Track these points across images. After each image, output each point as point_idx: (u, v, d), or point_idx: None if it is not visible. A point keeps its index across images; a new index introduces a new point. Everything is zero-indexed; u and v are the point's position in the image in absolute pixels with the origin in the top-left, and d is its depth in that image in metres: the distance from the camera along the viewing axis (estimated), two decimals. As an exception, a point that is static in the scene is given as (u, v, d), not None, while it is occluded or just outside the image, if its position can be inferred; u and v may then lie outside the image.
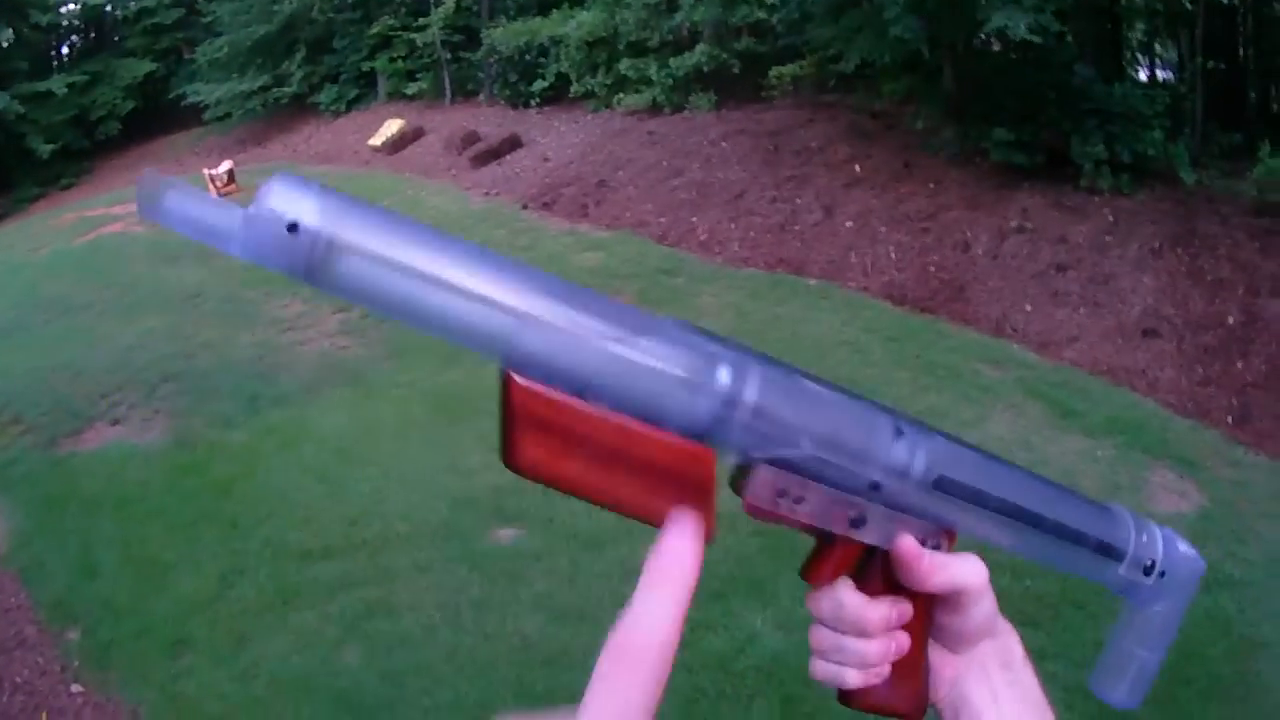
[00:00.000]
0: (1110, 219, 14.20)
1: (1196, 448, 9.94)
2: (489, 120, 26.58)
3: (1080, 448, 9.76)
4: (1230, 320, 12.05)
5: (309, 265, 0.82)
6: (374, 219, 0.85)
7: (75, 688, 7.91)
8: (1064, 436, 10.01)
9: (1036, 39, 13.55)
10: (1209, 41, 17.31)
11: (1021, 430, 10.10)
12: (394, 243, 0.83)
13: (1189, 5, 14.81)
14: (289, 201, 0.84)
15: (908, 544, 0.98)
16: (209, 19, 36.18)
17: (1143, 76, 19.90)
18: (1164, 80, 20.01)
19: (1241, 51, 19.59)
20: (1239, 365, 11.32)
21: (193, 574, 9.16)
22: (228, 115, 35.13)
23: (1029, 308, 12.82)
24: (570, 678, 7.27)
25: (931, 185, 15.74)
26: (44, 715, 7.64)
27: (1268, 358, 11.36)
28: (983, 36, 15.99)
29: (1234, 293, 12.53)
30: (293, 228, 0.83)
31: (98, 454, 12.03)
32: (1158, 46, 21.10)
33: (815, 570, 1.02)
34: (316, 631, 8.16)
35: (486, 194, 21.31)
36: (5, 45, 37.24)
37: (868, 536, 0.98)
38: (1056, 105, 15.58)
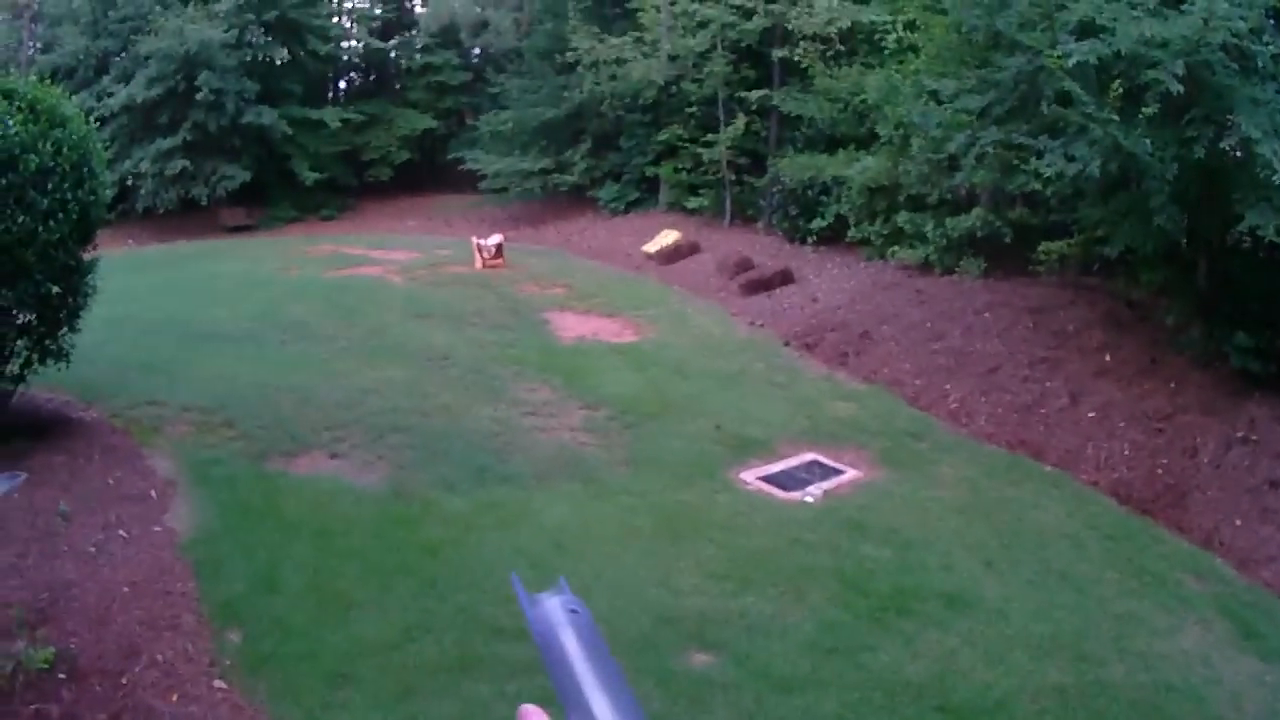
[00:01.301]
0: None
1: None
2: (764, 249, 26.86)
3: (1253, 670, 9.65)
4: None
5: None
6: None
7: (219, 684, 8.12)
8: (1241, 657, 9.86)
9: None
10: None
11: (1205, 647, 9.98)
12: None
13: None
14: None
15: None
16: (496, 90, 37.24)
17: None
18: None
19: None
20: None
21: (378, 619, 9.33)
22: (504, 190, 36.16)
23: (1239, 522, 12.56)
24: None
25: (1173, 385, 15.67)
26: (176, 697, 7.80)
27: None
28: (1237, 234, 15.76)
29: None
30: None
31: (308, 480, 12.38)
32: None
33: None
34: (487, 706, 8.04)
35: (752, 323, 21.63)
36: (279, 63, 38.27)
37: None
38: None
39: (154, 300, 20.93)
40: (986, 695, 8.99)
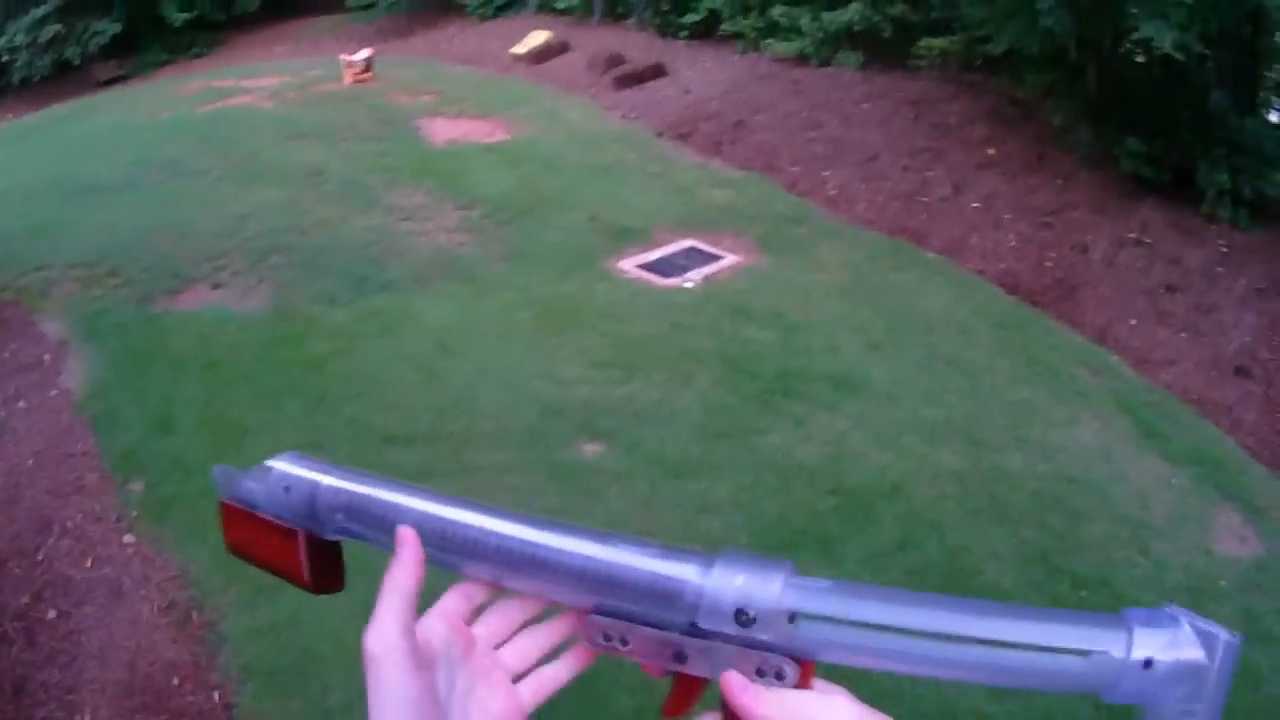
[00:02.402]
0: (1224, 249, 14.22)
1: (1267, 495, 9.82)
2: (635, 45, 26.40)
3: (1158, 471, 9.76)
4: (1323, 373, 11.97)
5: None
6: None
7: (128, 538, 8.19)
8: (1144, 456, 10.00)
9: (1179, 56, 13.70)
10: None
11: (1106, 442, 10.12)
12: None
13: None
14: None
15: (729, 677, 0.99)
16: None
17: (1274, 118, 19.86)
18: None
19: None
20: (1323, 421, 11.25)
21: (271, 442, 8.78)
22: (371, 4, 35.23)
23: (1133, 322, 12.79)
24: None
25: (1060, 181, 15.77)
26: (90, 561, 7.88)
27: (1353, 416, 11.26)
28: (1129, 44, 15.95)
29: (1333, 345, 12.40)
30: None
31: (193, 315, 12.18)
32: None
33: (669, 705, 1.08)
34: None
35: (624, 116, 21.36)
36: None
37: (695, 669, 1.03)
38: (1190, 127, 15.57)
39: (33, 166, 20.18)
40: (881, 478, 9.03)
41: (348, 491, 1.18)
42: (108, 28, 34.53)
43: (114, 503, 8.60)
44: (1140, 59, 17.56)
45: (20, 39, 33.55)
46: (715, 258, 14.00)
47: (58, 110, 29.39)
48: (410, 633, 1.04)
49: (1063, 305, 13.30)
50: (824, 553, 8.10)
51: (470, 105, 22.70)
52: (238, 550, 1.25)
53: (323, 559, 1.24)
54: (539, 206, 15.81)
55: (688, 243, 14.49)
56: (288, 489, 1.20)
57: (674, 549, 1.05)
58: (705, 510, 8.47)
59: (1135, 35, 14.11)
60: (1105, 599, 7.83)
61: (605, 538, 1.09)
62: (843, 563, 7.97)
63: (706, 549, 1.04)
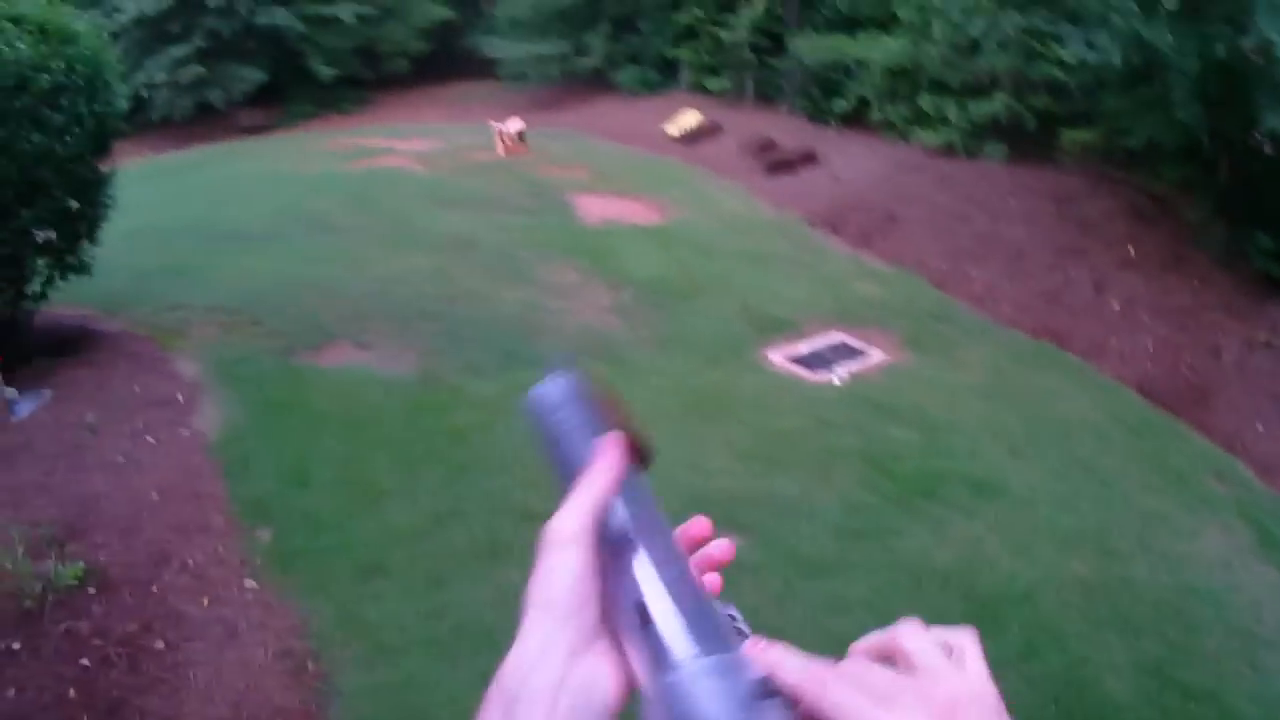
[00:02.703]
0: None
1: None
2: (786, 130, 26.60)
3: (1272, 580, 9.72)
4: None
5: None
6: None
7: (249, 583, 8.09)
8: (1262, 566, 9.94)
9: None
10: None
11: (1227, 551, 10.08)
12: None
13: None
14: None
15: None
16: None
17: None
18: None
19: None
20: None
21: (407, 507, 9.29)
22: (523, 75, 35.91)
23: (1260, 428, 12.72)
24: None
25: (1196, 281, 15.79)
26: (207, 600, 7.81)
27: None
28: (1257, 136, 15.75)
29: None
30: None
31: (335, 372, 12.18)
32: None
33: None
34: (519, 591, 7.78)
35: (776, 203, 21.59)
36: None
37: None
38: None
39: (174, 206, 20.66)
40: (1012, 585, 9.12)
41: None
42: (253, 76, 35.24)
43: (238, 547, 8.60)
44: (1269, 151, 17.26)
45: (160, 77, 34.09)
46: (862, 353, 14.16)
47: (199, 152, 29.87)
48: (588, 533, 1.16)
49: (1195, 410, 13.31)
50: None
51: (623, 184, 22.94)
52: None
53: None
54: (690, 292, 15.93)
55: (836, 336, 14.66)
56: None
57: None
58: (836, 611, 8.42)
59: (1261, 127, 14.08)
60: (1212, 711, 7.93)
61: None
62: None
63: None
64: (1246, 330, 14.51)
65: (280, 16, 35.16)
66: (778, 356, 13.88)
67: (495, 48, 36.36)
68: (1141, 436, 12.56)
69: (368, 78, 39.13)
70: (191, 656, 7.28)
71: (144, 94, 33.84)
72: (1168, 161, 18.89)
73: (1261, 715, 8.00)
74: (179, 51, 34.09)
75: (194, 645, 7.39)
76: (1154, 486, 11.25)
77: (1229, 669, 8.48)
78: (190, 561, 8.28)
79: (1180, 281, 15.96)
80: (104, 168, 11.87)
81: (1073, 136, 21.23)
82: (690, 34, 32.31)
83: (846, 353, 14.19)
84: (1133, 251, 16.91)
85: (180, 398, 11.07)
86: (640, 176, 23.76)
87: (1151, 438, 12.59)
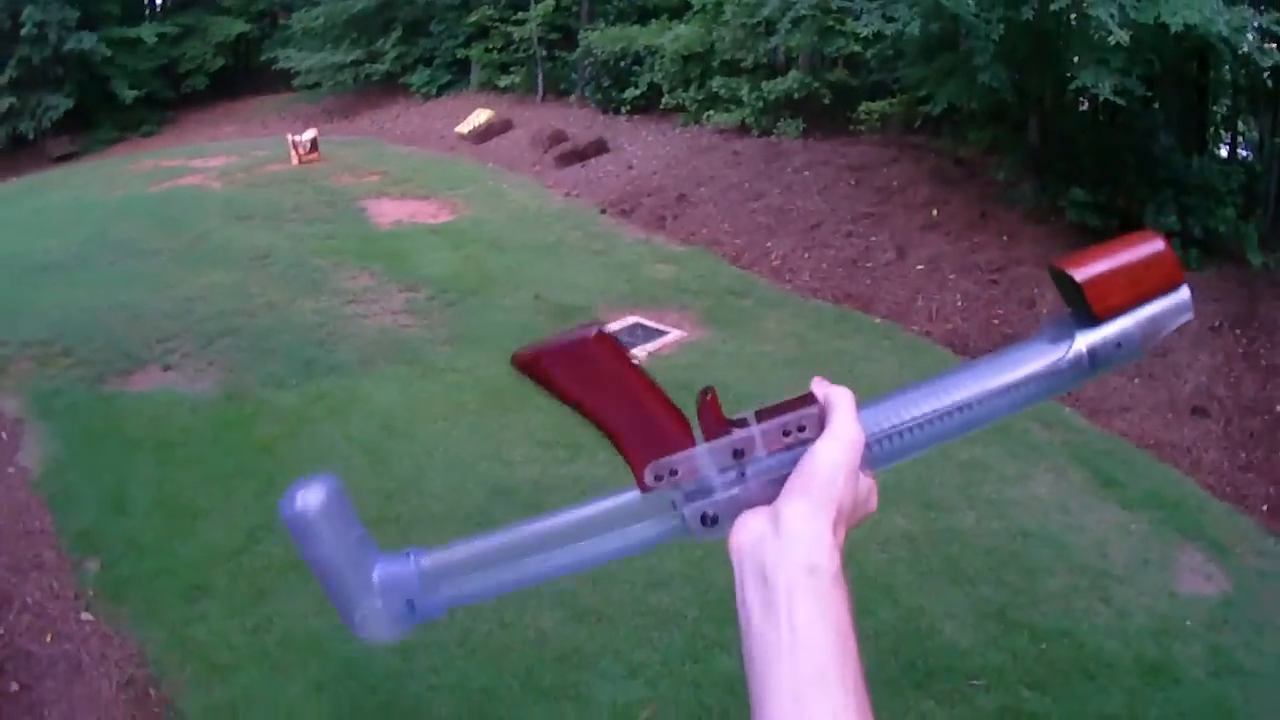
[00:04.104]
0: None
1: (1229, 532, 9.83)
2: (578, 122, 26.68)
3: (1116, 519, 9.70)
4: (1279, 407, 11.96)
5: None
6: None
7: (86, 616, 8.16)
8: (1101, 505, 9.94)
9: (1121, 101, 13.62)
10: (1289, 121, 17.22)
11: (1061, 494, 10.05)
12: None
13: (1270, 84, 14.74)
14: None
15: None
16: None
17: (1224, 153, 19.74)
18: (1244, 158, 19.82)
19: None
20: (1281, 454, 11.19)
21: (223, 524, 9.36)
22: (317, 85, 35.75)
23: None
24: (579, 676, 7.55)
25: (1005, 238, 15.74)
26: (50, 637, 7.88)
27: (1312, 449, 11.19)
28: (1070, 93, 15.81)
29: (1287, 379, 12.38)
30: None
31: (145, 396, 12.27)
32: (1241, 124, 20.98)
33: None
34: None
35: (567, 194, 21.50)
36: None
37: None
38: (1135, 171, 15.53)
39: None
40: None
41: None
42: (60, 103, 35.05)
43: (71, 580, 8.63)
44: (1084, 108, 17.62)
45: None
46: (661, 333, 13.95)
47: (12, 185, 29.50)
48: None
49: None
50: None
51: (415, 186, 22.83)
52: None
53: None
54: (484, 287, 15.85)
55: (633, 319, 14.40)
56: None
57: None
58: (654, 586, 8.39)
59: (1074, 84, 13.91)
60: (1067, 649, 7.82)
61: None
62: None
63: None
64: None
65: (87, 41, 35.05)
66: None
67: (291, 59, 36.03)
68: None
69: (169, 97, 39.22)
70: (44, 695, 7.42)
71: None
72: (972, 125, 18.91)
73: (1119, 648, 8.02)
74: (-6, 83, 33.67)
75: (45, 685, 7.52)
76: (974, 438, 10.46)
77: (1079, 606, 8.48)
78: (29, 599, 8.42)
79: (988, 239, 15.81)
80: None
81: (870, 108, 20.99)
82: (482, 33, 32.22)
83: (644, 334, 13.94)
84: (936, 213, 16.75)
85: (3, 435, 11.33)
86: (432, 177, 23.70)
87: None
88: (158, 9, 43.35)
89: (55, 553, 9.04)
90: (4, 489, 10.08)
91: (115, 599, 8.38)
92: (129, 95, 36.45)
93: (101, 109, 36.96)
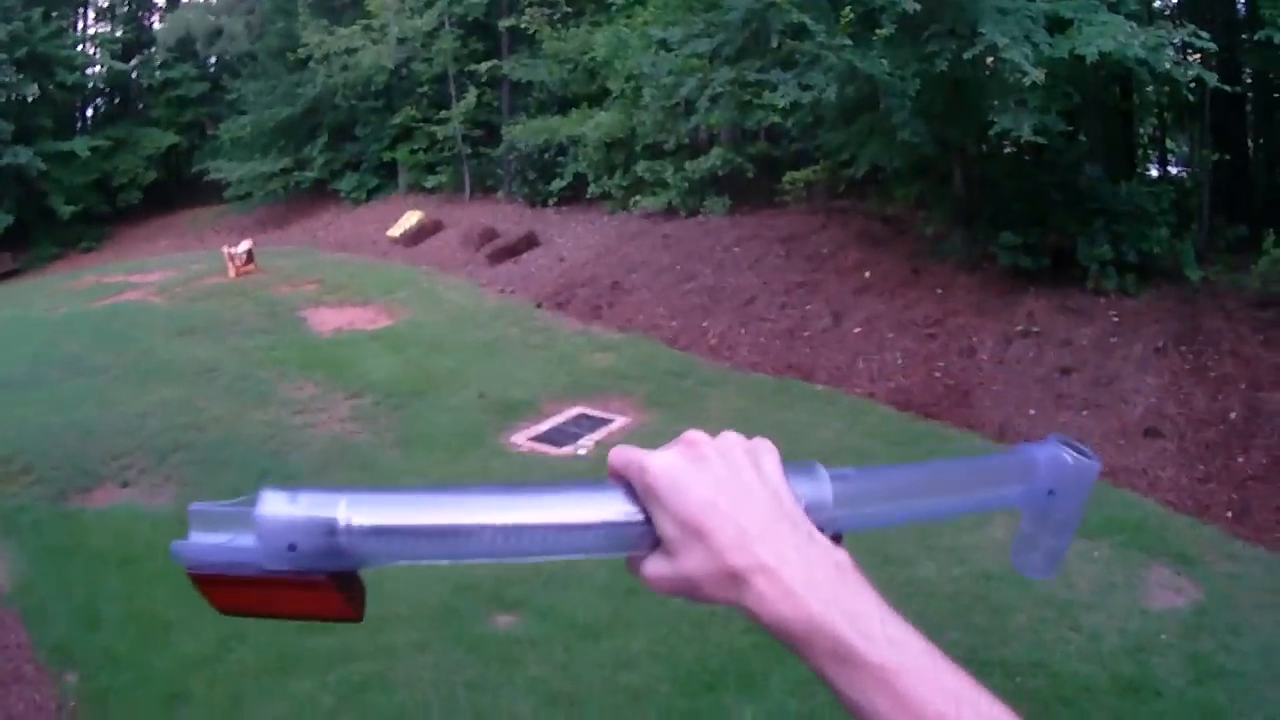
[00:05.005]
0: (1115, 320, 14.24)
1: (1195, 543, 9.96)
2: (507, 217, 26.89)
3: (1077, 549, 9.51)
4: (1232, 415, 12.06)
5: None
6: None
7: None
8: None
9: (1042, 140, 13.68)
10: (1217, 133, 17.54)
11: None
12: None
13: (1191, 98, 14.84)
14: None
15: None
16: (233, 96, 37.22)
17: (1154, 172, 19.89)
18: (1175, 175, 20.02)
19: (1250, 142, 19.64)
20: (1240, 459, 11.31)
21: (194, 635, 9.30)
22: (249, 195, 36.10)
23: (1033, 411, 12.83)
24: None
25: (939, 291, 15.80)
26: None
27: (1268, 450, 11.35)
28: (991, 139, 16.07)
29: (1236, 387, 12.58)
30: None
31: (106, 513, 12.33)
32: (1169, 141, 21.13)
33: None
34: (313, 699, 8.27)
35: (502, 291, 21.56)
36: (30, 100, 37.79)
37: None
38: (1064, 206, 15.65)
39: None
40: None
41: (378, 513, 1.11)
42: (1, 218, 35.05)
43: (53, 692, 8.68)
44: (1008, 150, 17.70)
45: None
46: (605, 421, 13.94)
47: None
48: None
49: (959, 411, 13.31)
50: (748, 688, 7.96)
51: (351, 292, 22.87)
52: (236, 612, 1.15)
53: (350, 587, 1.15)
54: (427, 389, 15.87)
55: (576, 410, 14.42)
56: (293, 546, 1.08)
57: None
58: (623, 666, 8.38)
59: (994, 129, 14.03)
60: (1043, 680, 7.85)
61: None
62: (769, 695, 7.81)
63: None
64: (1001, 326, 14.58)
65: (23, 155, 35.30)
66: (520, 438, 13.69)
67: (222, 170, 36.10)
68: (904, 447, 12.46)
69: (105, 211, 39.35)
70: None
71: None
72: (897, 183, 19.15)
73: (1095, 670, 8.09)
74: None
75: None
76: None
77: (1050, 637, 8.55)
78: (14, 713, 8.48)
79: (922, 294, 15.87)
80: None
81: (795, 177, 21.15)
82: (407, 134, 32.46)
83: (589, 424, 13.97)
84: (868, 275, 16.83)
85: None
86: (367, 283, 23.76)
87: (914, 446, 12.49)
88: (88, 122, 43.75)
89: (34, 666, 9.13)
90: (-23, 605, 10.17)
91: (96, 711, 8.40)
92: (66, 211, 36.61)
93: (40, 225, 37.19)
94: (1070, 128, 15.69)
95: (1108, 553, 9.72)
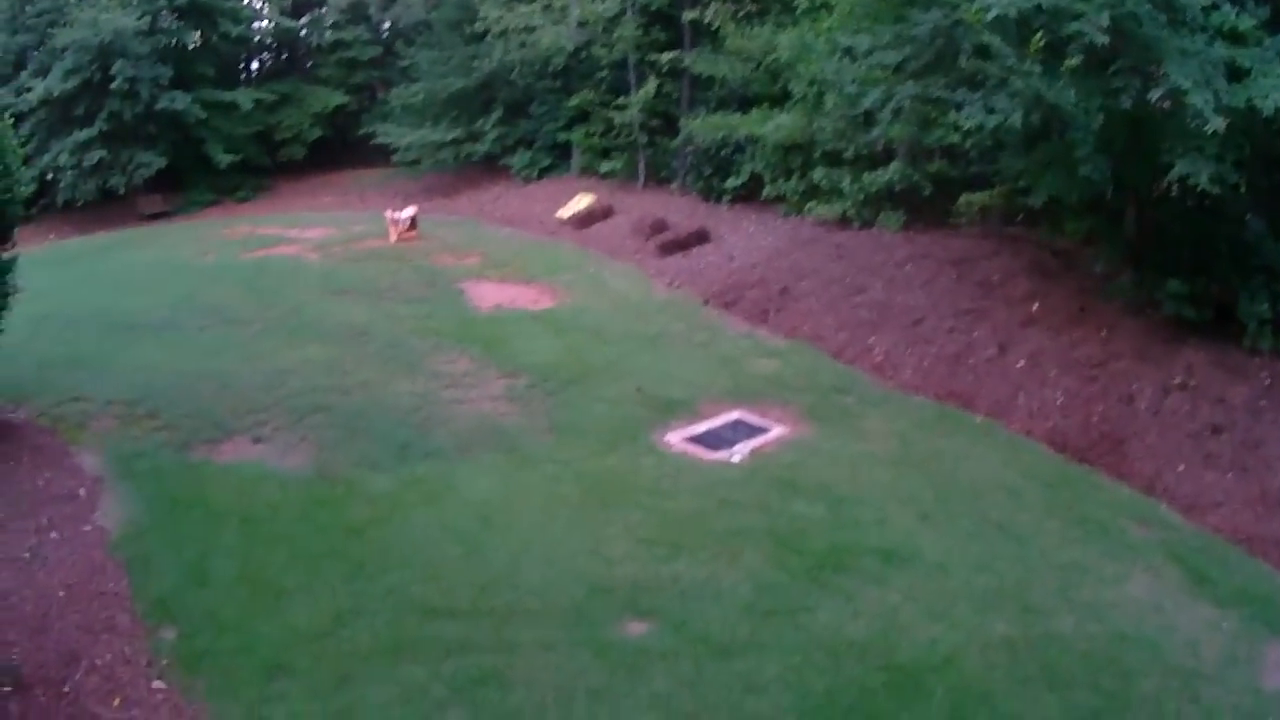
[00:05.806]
0: (1267, 382, 13.95)
1: None
2: (679, 210, 26.65)
3: (1208, 617, 9.64)
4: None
5: None
6: None
7: (157, 684, 8.24)
8: (1194, 604, 9.86)
9: (1217, 190, 13.46)
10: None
11: (1157, 594, 9.98)
12: None
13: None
14: None
15: None
16: (406, 64, 37.14)
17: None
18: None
19: None
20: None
21: (309, 606, 9.37)
22: (417, 162, 35.99)
23: (1181, 468, 12.61)
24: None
25: (1104, 332, 15.61)
26: (118, 701, 7.92)
27: None
28: (1167, 184, 15.65)
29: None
30: None
31: (232, 468, 12.37)
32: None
33: None
34: (424, 688, 8.17)
35: (670, 284, 21.53)
36: (192, 48, 37.80)
37: None
38: (1228, 259, 15.34)
39: (76, 294, 20.67)
40: (933, 651, 8.86)
41: None
42: (153, 161, 35.33)
43: (145, 647, 8.72)
44: (1174, 194, 17.05)
45: (65, 159, 34.13)
46: (762, 430, 13.88)
47: (101, 238, 30.29)
48: None
49: (1111, 458, 13.17)
50: (874, 731, 7.97)
51: (515, 269, 22.90)
52: None
53: None
54: (584, 377, 15.78)
55: (734, 415, 14.38)
56: None
57: None
58: (752, 690, 8.34)
59: (1172, 175, 13.70)
60: None
61: None
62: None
63: None
64: (1161, 375, 14.33)
65: (180, 101, 35.25)
66: (674, 438, 13.62)
67: (390, 135, 36.11)
68: (1056, 490, 12.33)
69: (265, 164, 39.46)
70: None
71: (49, 177, 34.17)
72: (1071, 217, 18.79)
73: None
74: (83, 134, 34.10)
75: (112, 749, 7.34)
76: (1074, 538, 11.02)
77: (1170, 709, 8.41)
78: (99, 661, 8.46)
79: (1087, 334, 15.71)
80: (5, 254, 12.08)
81: (970, 199, 21.08)
82: (583, 117, 32.34)
83: (745, 430, 13.91)
84: (1036, 308, 16.70)
85: (82, 492, 11.48)
86: (532, 261, 23.71)
87: (1067, 490, 12.38)
88: (253, 75, 44.17)
89: (129, 617, 9.16)
90: (80, 546, 10.24)
91: (190, 671, 8.42)
92: (224, 159, 36.82)
93: (195, 170, 37.40)
94: (1238, 179, 15.37)
95: (1235, 625, 9.61)
